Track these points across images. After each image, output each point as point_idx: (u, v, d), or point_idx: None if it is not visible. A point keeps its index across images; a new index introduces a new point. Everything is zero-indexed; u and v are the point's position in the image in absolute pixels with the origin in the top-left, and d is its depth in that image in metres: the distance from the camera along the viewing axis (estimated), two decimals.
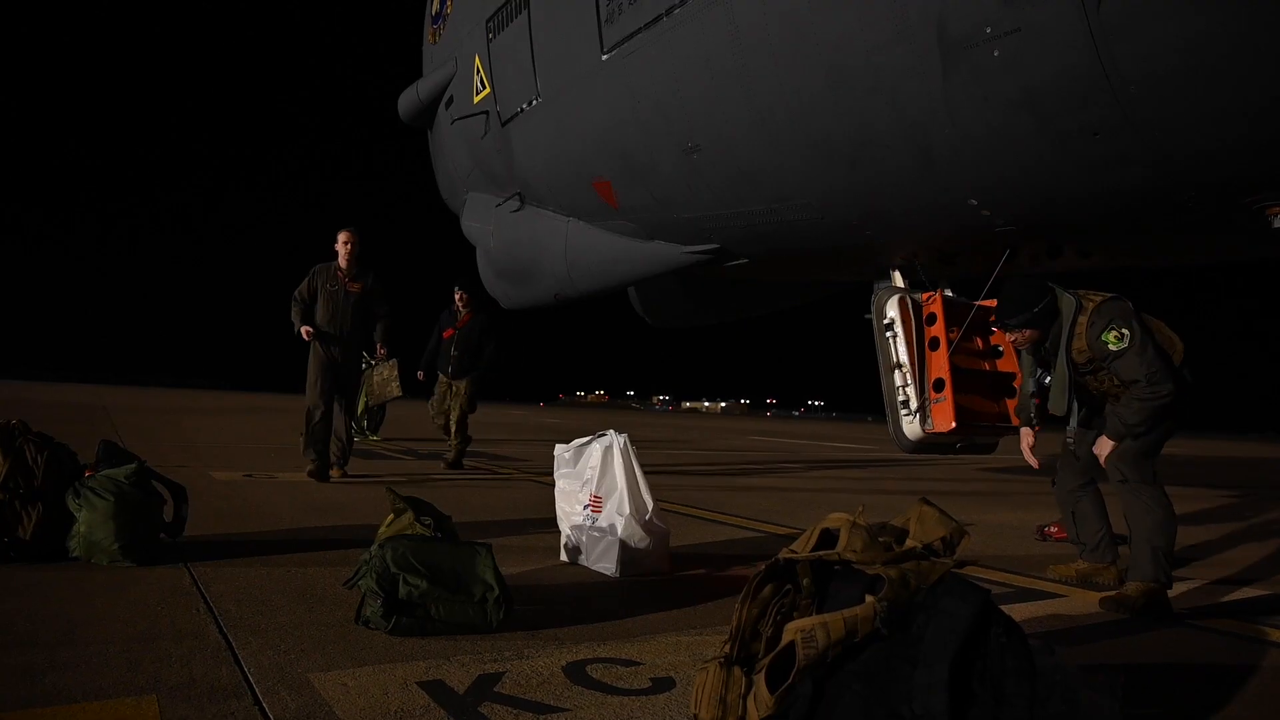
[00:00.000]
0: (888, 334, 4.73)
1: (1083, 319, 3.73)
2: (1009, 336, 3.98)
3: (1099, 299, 3.76)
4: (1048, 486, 10.25)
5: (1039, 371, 4.08)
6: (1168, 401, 3.59)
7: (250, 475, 7.07)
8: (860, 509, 2.09)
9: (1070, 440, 4.13)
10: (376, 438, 12.74)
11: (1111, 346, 3.63)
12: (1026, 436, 4.32)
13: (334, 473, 7.08)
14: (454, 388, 8.75)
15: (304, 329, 7.05)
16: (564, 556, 4.07)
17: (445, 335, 8.84)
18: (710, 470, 10.48)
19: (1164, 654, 2.96)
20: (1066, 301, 3.80)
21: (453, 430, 8.72)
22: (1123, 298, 3.80)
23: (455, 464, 8.67)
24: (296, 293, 7.14)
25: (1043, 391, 4.09)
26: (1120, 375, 3.67)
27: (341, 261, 7.12)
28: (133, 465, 3.75)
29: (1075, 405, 3.95)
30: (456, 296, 8.79)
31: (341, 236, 7.18)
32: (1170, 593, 3.87)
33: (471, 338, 8.74)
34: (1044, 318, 3.84)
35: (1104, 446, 3.81)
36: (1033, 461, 4.34)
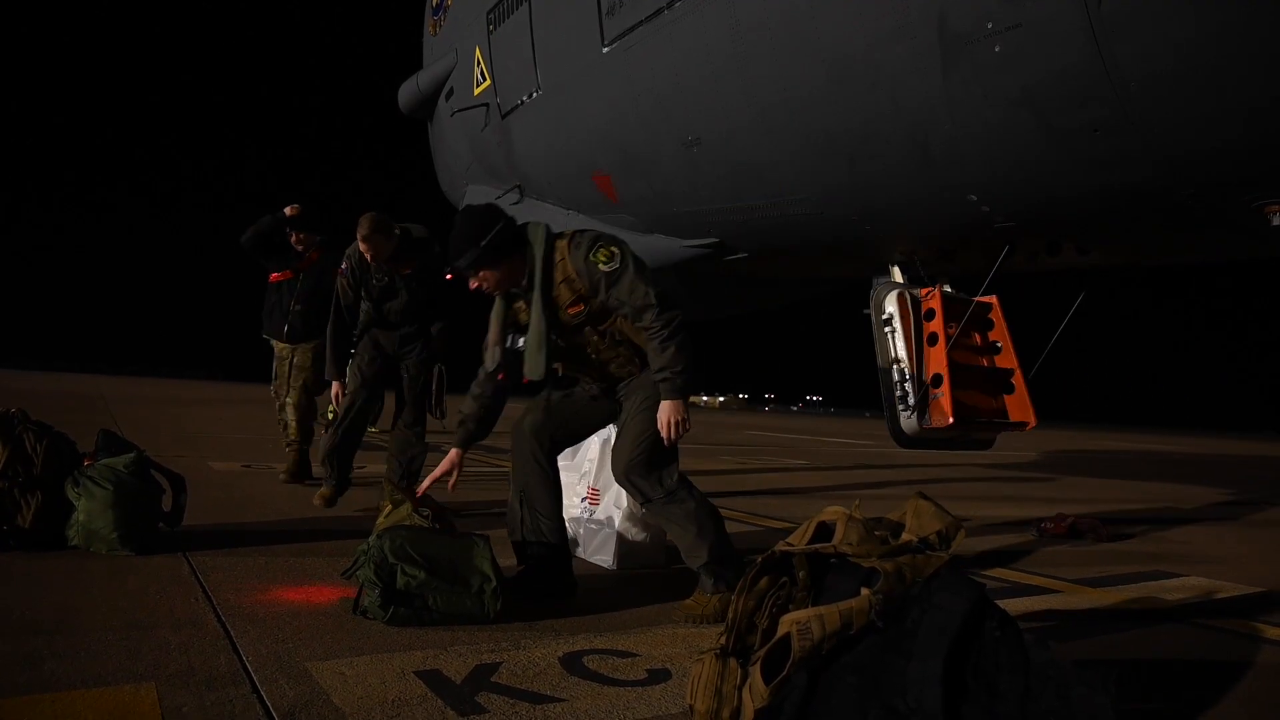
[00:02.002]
0: (886, 329, 4.73)
1: (562, 243, 3.13)
2: (470, 284, 3.20)
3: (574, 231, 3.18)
4: (1045, 482, 10.29)
5: (510, 336, 3.26)
6: (685, 328, 3.04)
7: (249, 466, 7.08)
8: (857, 503, 2.11)
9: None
10: (375, 428, 12.73)
11: (603, 266, 3.02)
12: (451, 458, 3.25)
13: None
14: (293, 357, 6.18)
15: (335, 385, 5.17)
16: None
17: (274, 279, 6.23)
18: (708, 464, 10.49)
19: (1159, 650, 2.98)
20: (536, 231, 3.15)
21: (290, 423, 6.13)
22: None
23: (296, 474, 6.06)
24: (334, 315, 5.14)
25: (515, 359, 3.24)
26: (625, 302, 3.04)
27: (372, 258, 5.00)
28: (131, 455, 3.75)
29: (549, 364, 3.16)
30: (294, 237, 6.18)
31: (360, 240, 4.90)
32: (1166, 590, 3.88)
33: (322, 286, 5.95)
34: (500, 251, 3.09)
35: (672, 412, 3.07)
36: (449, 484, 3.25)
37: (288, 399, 6.16)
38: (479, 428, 3.31)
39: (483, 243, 3.06)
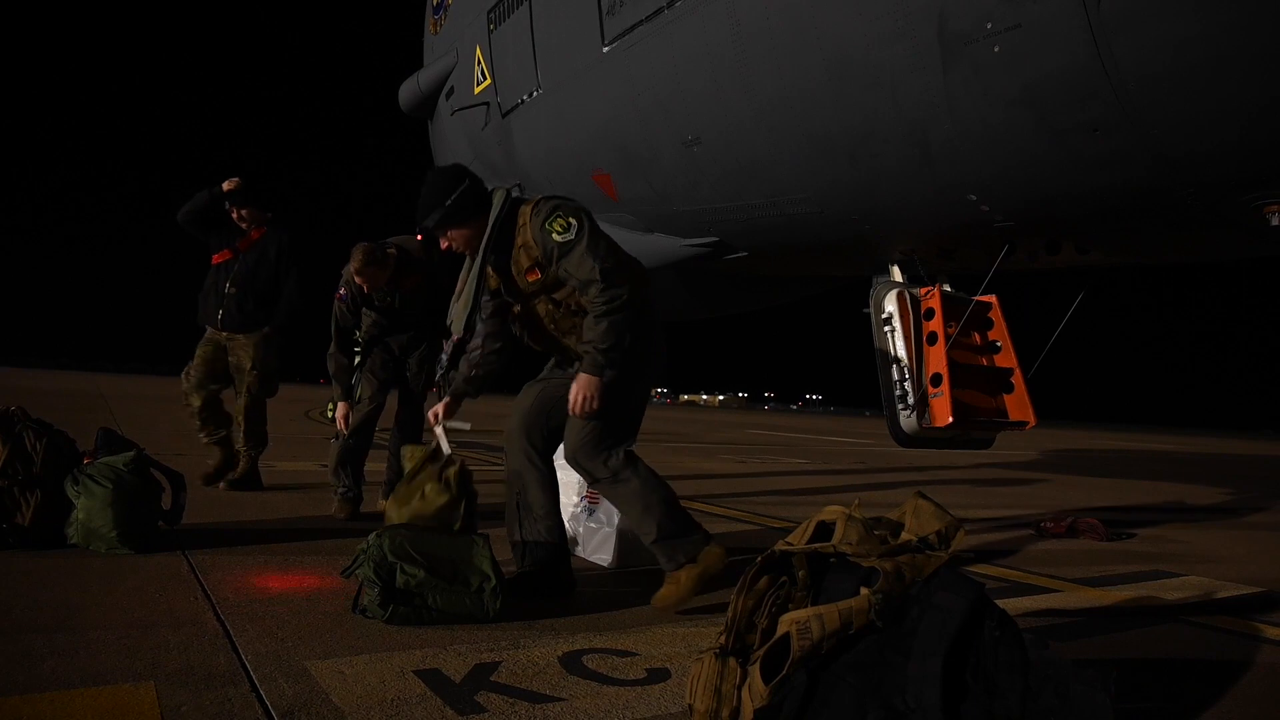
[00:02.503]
0: (886, 328, 4.73)
1: (525, 208, 3.11)
2: (441, 244, 3.26)
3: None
4: (1045, 482, 10.29)
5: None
6: (631, 313, 3.00)
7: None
8: (856, 502, 2.10)
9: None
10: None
11: (556, 237, 3.00)
12: (444, 402, 3.38)
13: (384, 504, 4.89)
14: (231, 348, 5.63)
15: (340, 412, 4.93)
16: None
17: (215, 260, 5.68)
18: (708, 464, 10.49)
19: (1158, 650, 2.98)
20: (497, 196, 3.18)
21: (240, 424, 5.65)
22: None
23: (243, 481, 5.59)
24: (334, 341, 4.96)
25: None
26: (572, 275, 3.01)
27: (369, 289, 4.85)
28: (131, 453, 3.75)
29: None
30: (234, 213, 5.61)
31: (352, 269, 4.73)
32: (1166, 590, 3.87)
33: (262, 268, 5.62)
34: (464, 211, 3.12)
35: (584, 387, 3.03)
36: (444, 446, 3.34)
37: (238, 398, 5.66)
38: (469, 384, 3.35)
39: (447, 203, 3.11)
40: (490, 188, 3.22)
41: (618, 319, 2.98)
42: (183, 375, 5.64)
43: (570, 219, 3.03)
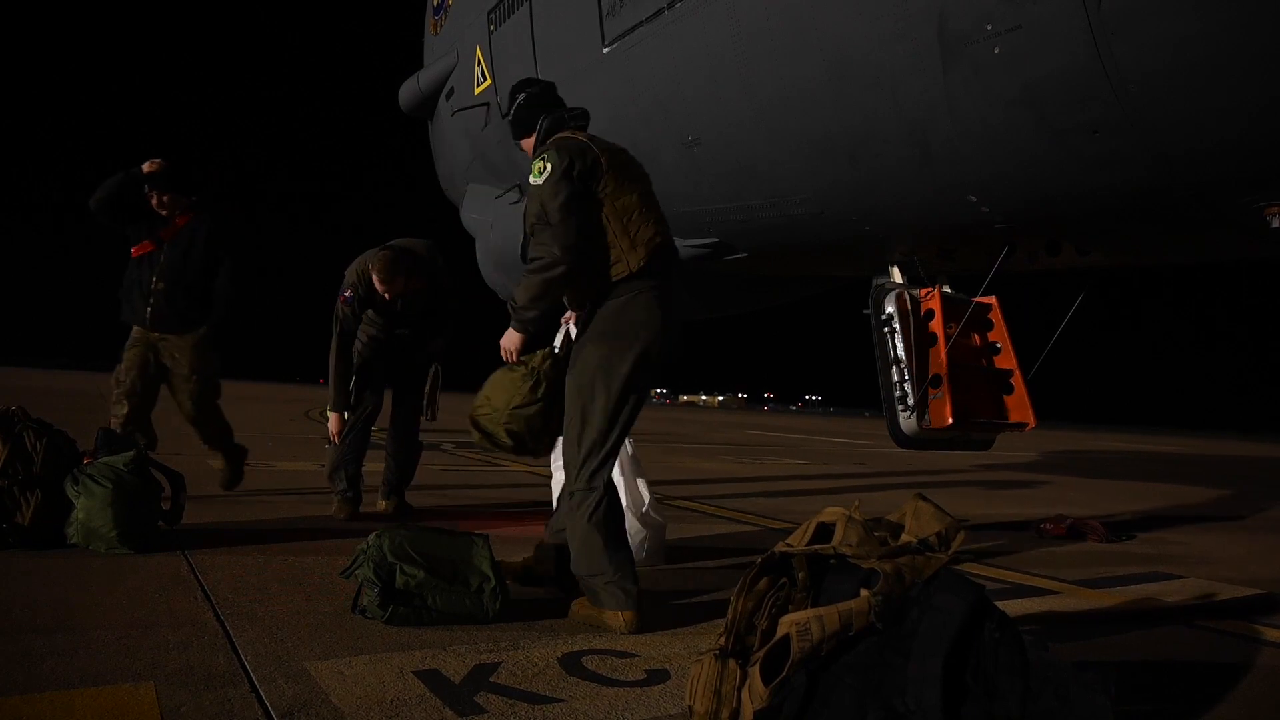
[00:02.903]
0: (885, 329, 4.73)
1: (554, 138, 3.02)
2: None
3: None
4: (1045, 483, 10.29)
5: None
6: (556, 276, 2.81)
7: (247, 465, 7.06)
8: (856, 504, 2.10)
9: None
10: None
11: (531, 177, 2.84)
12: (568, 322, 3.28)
13: (383, 505, 5.10)
14: (164, 349, 5.02)
15: (334, 427, 4.88)
16: None
17: (136, 253, 5.03)
18: (707, 464, 10.49)
19: (1158, 651, 2.98)
20: (541, 121, 3.11)
21: (196, 432, 5.41)
22: (594, 139, 3.00)
23: (234, 477, 5.46)
24: (336, 344, 4.83)
25: None
26: (525, 222, 2.92)
27: (390, 296, 4.83)
28: (131, 453, 3.76)
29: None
30: (154, 199, 4.89)
31: (377, 280, 4.72)
32: (1165, 591, 3.87)
33: (190, 257, 4.98)
34: (518, 126, 3.15)
35: (503, 339, 3.03)
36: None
37: (181, 403, 5.23)
38: None
39: (507, 117, 3.19)
40: (549, 98, 3.17)
41: (533, 280, 2.84)
42: (113, 380, 5.04)
43: (548, 164, 2.83)
